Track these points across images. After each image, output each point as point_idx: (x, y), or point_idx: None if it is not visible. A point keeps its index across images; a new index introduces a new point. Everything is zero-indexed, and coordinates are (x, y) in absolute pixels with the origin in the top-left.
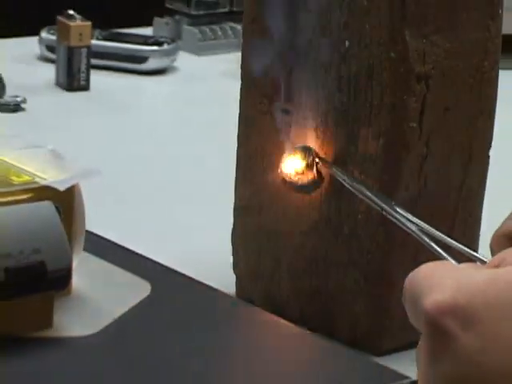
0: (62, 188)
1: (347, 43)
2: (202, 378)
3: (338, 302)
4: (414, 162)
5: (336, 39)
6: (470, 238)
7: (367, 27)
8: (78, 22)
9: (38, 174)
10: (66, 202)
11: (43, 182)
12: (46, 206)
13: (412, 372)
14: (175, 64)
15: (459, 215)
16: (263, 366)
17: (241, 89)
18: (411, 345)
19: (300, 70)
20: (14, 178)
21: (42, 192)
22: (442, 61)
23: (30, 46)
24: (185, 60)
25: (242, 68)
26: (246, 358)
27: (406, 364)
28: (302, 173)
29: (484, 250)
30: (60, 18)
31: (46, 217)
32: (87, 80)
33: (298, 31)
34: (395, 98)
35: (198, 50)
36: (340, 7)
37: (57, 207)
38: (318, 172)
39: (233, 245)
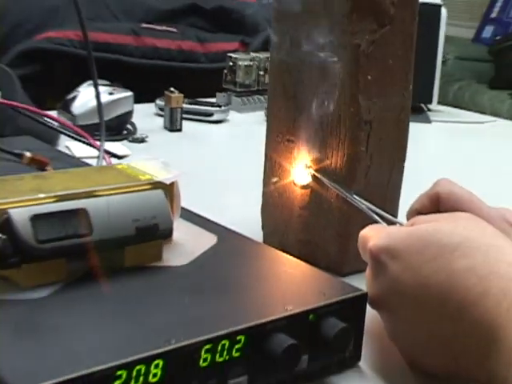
0: (168, 182)
1: (326, 102)
2: (248, 286)
3: (320, 247)
4: (363, 169)
5: (320, 101)
6: (394, 211)
7: (337, 93)
8: (176, 94)
9: (155, 174)
10: (170, 190)
11: (157, 179)
12: (159, 192)
13: (363, 286)
14: (228, 117)
15: (387, 198)
16: (278, 280)
17: (266, 129)
18: (361, 271)
19: (300, 117)
20: (141, 176)
21: (157, 185)
22: (379, 113)
23: (150, 108)
24: (233, 115)
25: (266, 118)
26: (271, 276)
27: (359, 282)
28: (304, 179)
29: (401, 218)
30: (166, 92)
31: (159, 198)
32: (181, 125)
33: (300, 96)
34: (353, 134)
35: (240, 110)
36: (323, 83)
37: (165, 193)
38: (312, 177)
39: (262, 215)
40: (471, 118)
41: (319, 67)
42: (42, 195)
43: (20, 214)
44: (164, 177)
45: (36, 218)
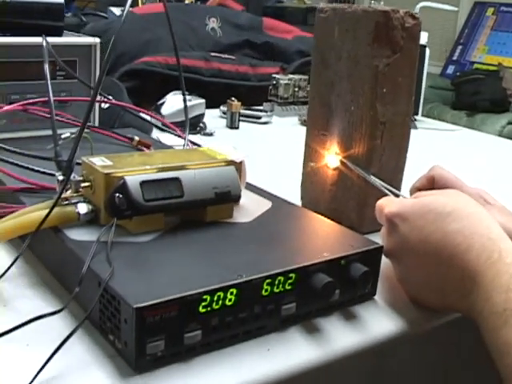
0: (238, 161)
1: (352, 108)
2: (295, 238)
3: (345, 213)
4: (378, 157)
5: (347, 106)
6: (398, 188)
7: (361, 102)
8: (235, 102)
9: (228, 155)
10: (239, 167)
11: (229, 158)
12: (231, 168)
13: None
14: (272, 120)
15: (395, 178)
16: (318, 235)
17: (307, 125)
18: (374, 231)
19: (332, 118)
20: (217, 156)
21: (230, 162)
22: (391, 116)
23: (215, 112)
24: (275, 119)
25: (307, 117)
26: (312, 232)
27: (374, 239)
28: (334, 163)
29: (403, 193)
30: (228, 101)
31: (231, 172)
32: (238, 124)
33: (332, 104)
34: (372, 130)
35: (280, 115)
36: (350, 93)
37: (235, 168)
38: (340, 162)
39: (301, 189)
40: (444, 127)
41: (348, 82)
42: (147, 167)
43: (132, 180)
44: (235, 157)
45: (144, 183)
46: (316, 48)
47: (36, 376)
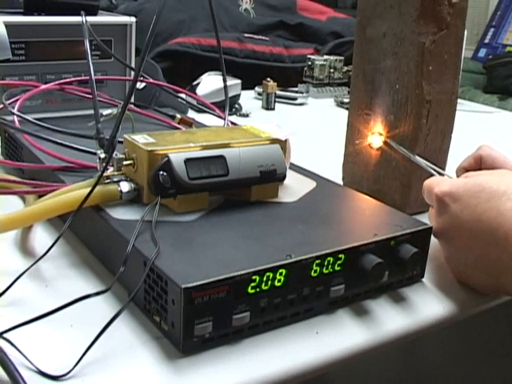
0: (282, 139)
1: (397, 86)
2: (343, 218)
3: (388, 194)
4: (423, 137)
5: (392, 84)
6: (443, 168)
7: (406, 80)
8: (271, 83)
9: (271, 133)
10: (284, 145)
11: (274, 136)
12: (277, 146)
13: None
14: (307, 101)
15: (440, 159)
16: (365, 215)
17: (349, 104)
18: (418, 213)
19: (376, 96)
20: (261, 134)
21: (274, 141)
22: (437, 94)
23: (250, 93)
24: (310, 100)
25: (350, 96)
26: (359, 212)
27: (420, 219)
28: (377, 143)
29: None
30: (264, 81)
31: (277, 150)
32: (274, 106)
33: (376, 81)
34: (417, 109)
35: (316, 96)
36: (395, 71)
37: (281, 147)
38: (384, 142)
39: (343, 169)
40: (481, 109)
41: (393, 59)
42: (191, 144)
43: (177, 158)
44: (279, 135)
45: (188, 161)
46: (359, 25)
47: (81, 358)
